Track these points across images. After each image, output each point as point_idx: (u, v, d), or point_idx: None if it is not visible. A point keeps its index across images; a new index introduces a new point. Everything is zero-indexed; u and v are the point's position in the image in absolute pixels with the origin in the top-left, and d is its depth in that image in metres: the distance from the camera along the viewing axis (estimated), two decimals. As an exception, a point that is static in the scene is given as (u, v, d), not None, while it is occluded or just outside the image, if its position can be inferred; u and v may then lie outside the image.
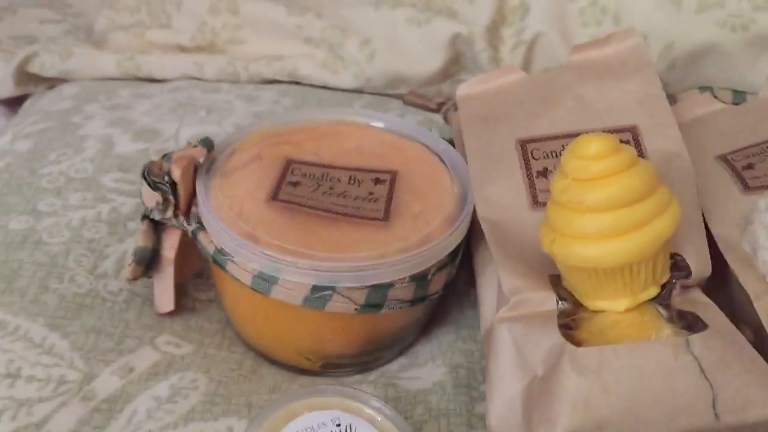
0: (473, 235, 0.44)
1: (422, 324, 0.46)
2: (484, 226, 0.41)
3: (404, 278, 0.40)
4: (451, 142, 0.50)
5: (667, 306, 0.36)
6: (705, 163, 0.45)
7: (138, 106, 0.63)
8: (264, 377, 0.43)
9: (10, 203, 0.50)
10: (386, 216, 0.41)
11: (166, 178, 0.41)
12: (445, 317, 0.48)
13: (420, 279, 0.40)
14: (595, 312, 0.36)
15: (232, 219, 0.40)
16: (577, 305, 0.37)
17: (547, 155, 0.43)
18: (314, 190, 0.43)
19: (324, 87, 0.68)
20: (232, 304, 0.44)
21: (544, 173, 0.43)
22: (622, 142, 0.36)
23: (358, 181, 0.44)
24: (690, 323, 0.35)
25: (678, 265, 0.37)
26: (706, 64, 0.62)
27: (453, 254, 0.42)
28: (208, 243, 0.41)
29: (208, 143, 0.44)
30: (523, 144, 0.44)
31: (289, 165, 0.44)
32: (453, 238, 0.41)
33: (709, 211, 0.41)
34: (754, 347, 0.34)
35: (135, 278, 0.43)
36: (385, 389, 0.42)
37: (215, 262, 0.41)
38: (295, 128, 0.48)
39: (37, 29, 0.78)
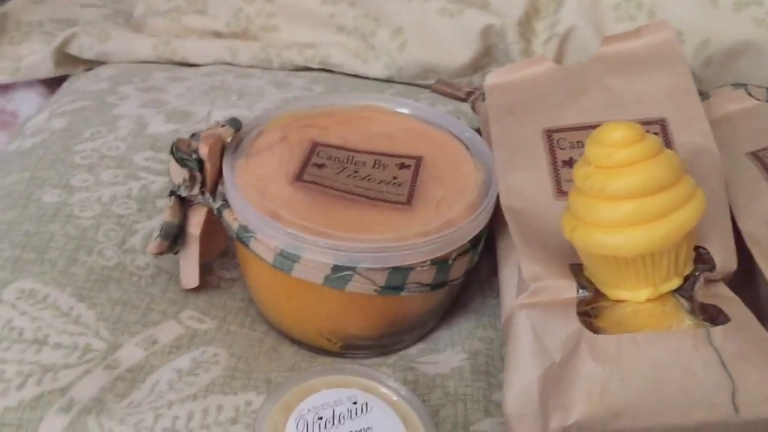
0: (497, 223, 0.44)
1: (443, 310, 0.46)
2: (506, 214, 0.41)
3: (425, 262, 0.40)
4: (478, 132, 0.50)
5: (689, 298, 0.36)
6: (735, 159, 0.44)
7: (172, 89, 0.64)
8: (284, 356, 0.44)
9: (45, 177, 0.51)
10: (409, 200, 0.41)
11: (194, 156, 0.42)
12: (467, 305, 0.48)
13: (441, 263, 0.41)
14: (616, 301, 0.36)
15: (256, 197, 0.41)
16: (598, 294, 0.37)
17: (573, 145, 0.43)
18: (339, 172, 0.43)
19: (355, 75, 0.69)
20: (254, 282, 0.44)
21: (570, 163, 0.42)
22: (650, 134, 0.35)
23: (383, 166, 0.44)
24: (712, 316, 0.35)
25: (702, 258, 0.37)
26: (742, 61, 0.61)
27: (474, 241, 0.42)
28: (232, 220, 0.41)
29: (235, 123, 0.45)
30: (549, 133, 0.44)
31: (314, 147, 0.45)
32: (474, 224, 0.41)
33: (737, 207, 0.41)
34: (779, 344, 0.34)
35: (160, 253, 0.43)
36: (404, 372, 0.42)
37: (239, 239, 0.41)
38: (321, 112, 0.48)
39: (78, 13, 0.79)
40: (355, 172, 0.43)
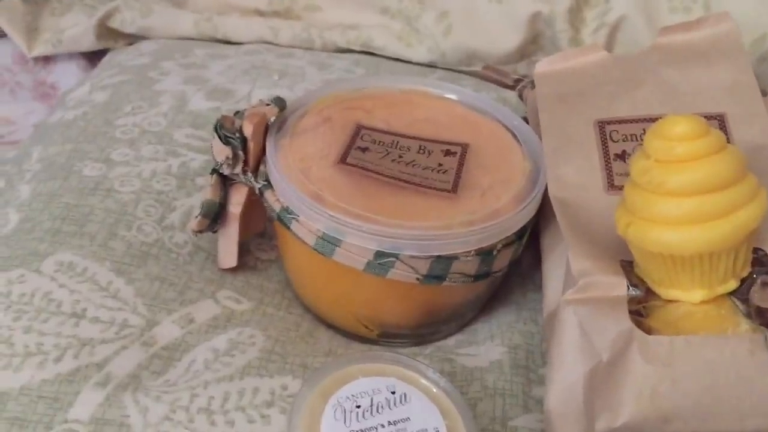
0: (542, 215, 0.43)
1: (483, 302, 0.45)
2: (555, 206, 0.39)
3: (469, 252, 0.39)
4: (526, 120, 0.49)
5: (745, 301, 0.34)
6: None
7: (213, 66, 0.63)
8: (320, 340, 0.43)
9: (85, 150, 0.51)
10: (454, 188, 0.40)
11: (238, 134, 0.41)
12: (507, 297, 0.47)
13: (485, 254, 0.40)
14: (668, 301, 0.35)
15: (299, 179, 0.40)
16: (649, 293, 0.35)
17: (626, 138, 0.42)
18: (383, 156, 0.42)
19: (397, 59, 0.68)
20: (293, 265, 0.44)
21: (622, 156, 0.41)
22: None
23: (428, 152, 0.43)
24: (769, 321, 0.34)
25: (761, 261, 0.35)
26: (801, 58, 0.59)
27: (520, 232, 0.41)
28: (274, 201, 0.41)
29: (280, 102, 0.44)
30: (602, 125, 0.43)
31: (359, 130, 0.44)
32: (522, 216, 0.40)
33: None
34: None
35: (200, 231, 0.43)
36: (441, 363, 0.42)
37: (280, 220, 0.41)
38: (367, 95, 0.47)
39: (120, -13, 0.79)
40: (400, 157, 0.42)
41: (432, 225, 0.38)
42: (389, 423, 0.34)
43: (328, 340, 0.43)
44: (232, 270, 0.45)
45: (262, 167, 0.43)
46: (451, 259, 0.39)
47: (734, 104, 0.42)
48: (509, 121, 0.46)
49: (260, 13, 0.71)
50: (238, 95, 0.59)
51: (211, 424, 0.36)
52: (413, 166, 0.42)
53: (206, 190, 0.43)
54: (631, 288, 0.35)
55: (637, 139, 0.42)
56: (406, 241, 0.38)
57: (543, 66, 0.48)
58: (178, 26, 0.69)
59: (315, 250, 0.39)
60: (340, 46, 0.68)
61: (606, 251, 0.37)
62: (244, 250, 0.47)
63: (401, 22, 0.68)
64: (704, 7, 0.61)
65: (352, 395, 0.35)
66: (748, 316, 0.34)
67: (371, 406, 0.35)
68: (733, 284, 0.34)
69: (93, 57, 0.73)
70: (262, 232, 0.49)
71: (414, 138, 0.44)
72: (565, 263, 0.38)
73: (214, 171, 0.43)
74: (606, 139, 0.42)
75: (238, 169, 0.42)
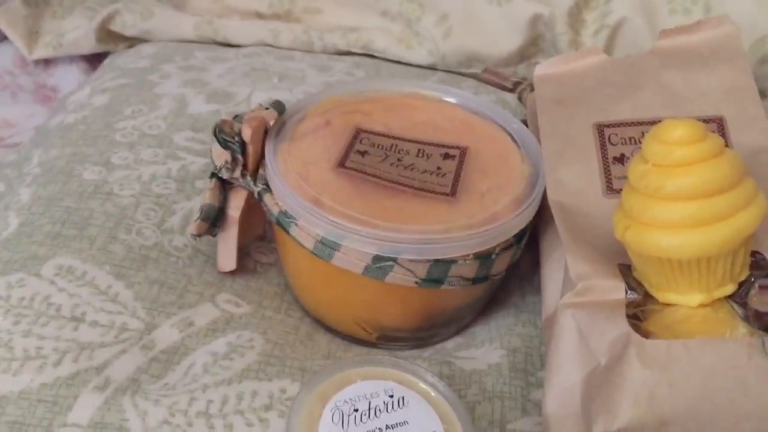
0: (541, 219, 0.43)
1: (482, 305, 0.45)
2: (554, 210, 0.39)
3: (468, 255, 0.39)
4: (525, 123, 0.49)
5: (743, 305, 0.34)
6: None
7: (213, 69, 0.64)
8: (319, 344, 0.43)
9: (85, 153, 0.51)
10: (453, 192, 0.41)
11: (237, 138, 0.42)
12: (506, 300, 0.47)
13: (484, 257, 0.40)
14: (666, 305, 0.35)
15: (298, 183, 0.40)
16: (647, 297, 0.35)
17: (625, 141, 0.42)
18: (382, 160, 0.42)
19: (397, 62, 0.68)
20: (292, 268, 0.44)
21: (621, 159, 0.41)
22: (706, 133, 0.34)
23: (427, 155, 0.43)
24: (767, 325, 0.34)
25: (758, 264, 0.35)
26: (801, 60, 0.59)
27: (519, 235, 0.41)
28: (273, 205, 0.41)
29: (279, 106, 0.44)
30: (601, 128, 0.43)
31: (358, 134, 0.44)
32: (520, 219, 0.40)
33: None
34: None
35: (200, 234, 0.43)
36: (440, 366, 0.42)
37: (279, 224, 0.41)
38: (366, 98, 0.47)
39: (120, -11, 0.79)
40: (399, 160, 0.42)
41: (430, 229, 0.38)
42: (387, 427, 0.34)
43: (327, 344, 0.43)
44: (232, 273, 0.45)
45: (261, 171, 0.43)
46: (449, 262, 0.39)
47: (733, 107, 0.42)
48: (508, 124, 0.46)
49: (260, 16, 0.71)
50: (238, 98, 0.59)
51: (209, 427, 0.36)
52: (412, 169, 0.42)
53: (205, 194, 0.43)
54: (629, 292, 0.36)
55: (636, 143, 0.42)
56: (404, 244, 0.38)
57: (542, 69, 0.48)
58: (179, 29, 0.69)
59: (314, 254, 0.39)
60: (341, 48, 0.69)
61: (604, 255, 0.37)
62: (243, 253, 0.47)
63: (401, 25, 0.68)
64: (704, 9, 0.61)
65: (350, 399, 0.35)
66: (746, 319, 0.34)
67: (369, 409, 0.35)
68: (731, 288, 0.34)
69: (94, 60, 0.73)
70: (261, 235, 0.49)
71: (413, 141, 0.44)
72: (563, 267, 0.38)
73: (214, 175, 0.43)
74: (605, 142, 0.42)
75: (237, 173, 0.42)
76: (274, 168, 0.41)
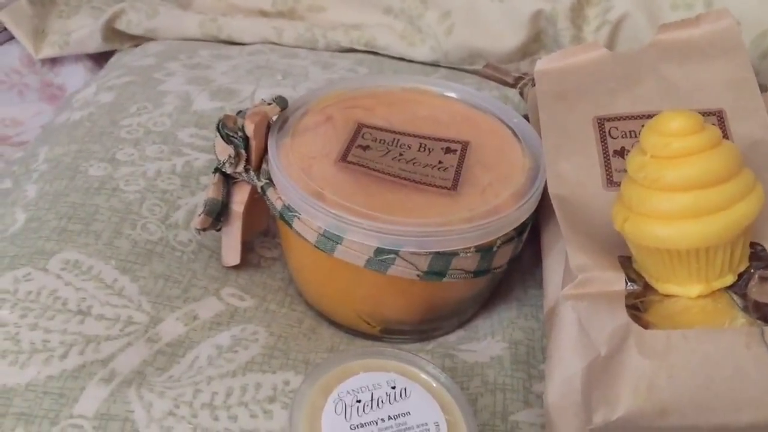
0: (543, 212, 0.43)
1: (484, 298, 0.45)
2: (554, 203, 0.40)
3: (469, 248, 0.39)
4: (526, 118, 0.49)
5: (743, 295, 0.35)
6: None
7: (217, 66, 0.64)
8: (323, 337, 0.44)
9: (91, 150, 0.52)
10: (454, 185, 0.41)
11: (240, 133, 0.42)
12: (508, 294, 0.47)
13: (485, 250, 0.40)
14: (666, 296, 0.35)
15: (300, 177, 0.40)
16: (647, 288, 0.36)
17: (625, 134, 0.42)
18: (384, 154, 0.43)
19: (400, 58, 0.68)
20: (296, 262, 0.44)
21: (621, 153, 0.41)
22: (706, 126, 0.34)
23: (429, 149, 0.43)
24: (766, 315, 0.34)
25: (758, 255, 0.36)
26: (803, 54, 0.59)
27: (520, 229, 0.41)
28: (276, 199, 0.41)
29: (282, 102, 0.44)
30: (601, 122, 0.43)
31: (360, 129, 0.44)
32: (521, 212, 0.40)
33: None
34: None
35: (204, 229, 0.43)
36: (443, 359, 0.42)
37: (282, 218, 0.41)
38: (367, 93, 0.48)
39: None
40: (401, 154, 0.43)
41: (432, 221, 0.39)
42: (389, 417, 0.34)
43: (331, 337, 0.44)
44: (236, 268, 0.46)
45: (264, 166, 0.43)
46: (450, 255, 0.39)
47: (733, 100, 0.42)
48: (509, 118, 0.47)
49: (264, 14, 0.72)
50: (242, 95, 0.60)
51: (214, 419, 0.37)
52: (414, 164, 0.42)
53: (209, 189, 0.43)
54: (629, 283, 0.36)
55: (636, 136, 0.42)
56: (405, 237, 0.38)
57: (543, 64, 0.48)
58: (184, 27, 0.70)
59: (316, 247, 0.40)
60: (344, 45, 0.69)
61: (604, 247, 0.37)
62: (247, 248, 0.47)
63: (404, 22, 0.68)
64: (705, 4, 0.61)
65: (353, 390, 0.35)
66: (746, 310, 0.34)
67: (372, 400, 0.35)
68: (730, 279, 0.35)
69: (100, 58, 0.74)
70: (265, 230, 0.49)
71: (415, 136, 0.44)
72: (564, 259, 0.39)
73: (217, 170, 0.43)
74: (605, 135, 0.42)
75: (241, 168, 0.43)
76: (276, 163, 0.41)
